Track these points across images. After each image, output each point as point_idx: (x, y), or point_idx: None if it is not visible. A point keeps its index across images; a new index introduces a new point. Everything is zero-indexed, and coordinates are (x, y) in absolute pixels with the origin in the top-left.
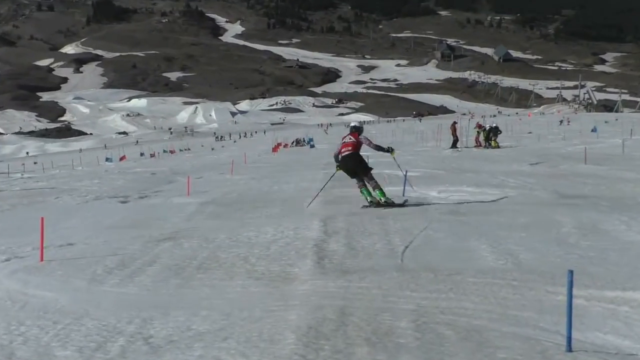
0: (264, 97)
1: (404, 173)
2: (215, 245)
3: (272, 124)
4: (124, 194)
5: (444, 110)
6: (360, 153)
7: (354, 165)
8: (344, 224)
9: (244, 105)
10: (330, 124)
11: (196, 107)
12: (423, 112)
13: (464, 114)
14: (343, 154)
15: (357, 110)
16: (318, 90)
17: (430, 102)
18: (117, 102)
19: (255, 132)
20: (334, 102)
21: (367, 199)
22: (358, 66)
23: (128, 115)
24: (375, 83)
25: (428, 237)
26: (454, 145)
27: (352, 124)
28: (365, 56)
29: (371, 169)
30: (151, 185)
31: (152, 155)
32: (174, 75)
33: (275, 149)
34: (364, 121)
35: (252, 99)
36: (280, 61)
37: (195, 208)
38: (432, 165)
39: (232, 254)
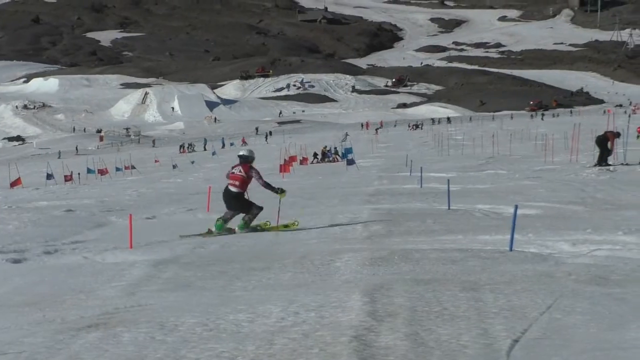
0: (265, 76)
1: (514, 210)
2: (179, 338)
3: (280, 123)
4: (17, 247)
5: (584, 99)
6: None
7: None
8: (405, 299)
9: (230, 89)
10: (382, 124)
11: (146, 94)
12: (547, 101)
13: (619, 106)
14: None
15: (430, 99)
16: (361, 63)
17: (560, 85)
18: (5, 84)
19: (249, 136)
20: (390, 83)
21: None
22: (432, 20)
23: (25, 107)
24: (462, 51)
25: (554, 323)
26: (602, 161)
27: (242, 153)
28: (446, 2)
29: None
30: (66, 232)
31: (67, 179)
32: (106, 37)
33: (285, 167)
34: (448, 118)
35: (244, 78)
36: (295, 12)
37: (143, 271)
38: (562, 196)
39: (207, 354)
